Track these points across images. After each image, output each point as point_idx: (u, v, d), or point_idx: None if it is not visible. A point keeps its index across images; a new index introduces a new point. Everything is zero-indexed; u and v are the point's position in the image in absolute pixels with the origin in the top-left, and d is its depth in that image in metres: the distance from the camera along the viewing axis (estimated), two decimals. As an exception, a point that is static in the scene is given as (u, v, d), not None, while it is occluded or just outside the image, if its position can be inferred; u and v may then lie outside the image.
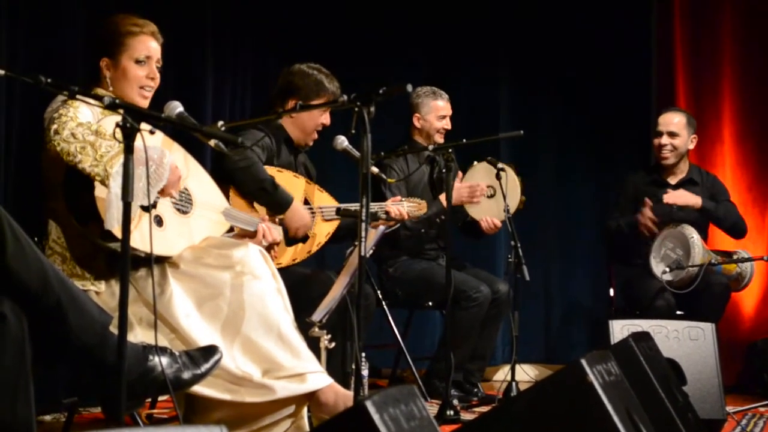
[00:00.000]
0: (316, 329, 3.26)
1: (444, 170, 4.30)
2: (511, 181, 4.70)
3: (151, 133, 2.50)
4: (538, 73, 6.29)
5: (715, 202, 5.16)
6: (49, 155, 2.91)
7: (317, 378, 3.00)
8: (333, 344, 3.28)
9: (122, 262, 2.31)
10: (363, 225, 2.91)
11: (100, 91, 3.13)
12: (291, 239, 3.98)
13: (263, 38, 5.37)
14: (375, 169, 4.17)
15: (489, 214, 4.84)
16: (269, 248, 3.48)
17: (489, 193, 4.83)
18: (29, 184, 3.35)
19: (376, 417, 1.65)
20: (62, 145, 2.79)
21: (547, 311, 6.29)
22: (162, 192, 2.91)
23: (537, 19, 6.26)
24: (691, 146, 5.25)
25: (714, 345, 3.74)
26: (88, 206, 2.84)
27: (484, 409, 4.36)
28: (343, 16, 5.86)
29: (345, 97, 3.06)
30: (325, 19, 5.75)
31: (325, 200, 4.14)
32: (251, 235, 3.45)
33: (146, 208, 2.66)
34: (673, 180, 5.24)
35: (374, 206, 4.25)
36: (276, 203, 3.89)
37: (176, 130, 3.49)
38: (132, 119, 2.33)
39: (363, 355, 3.01)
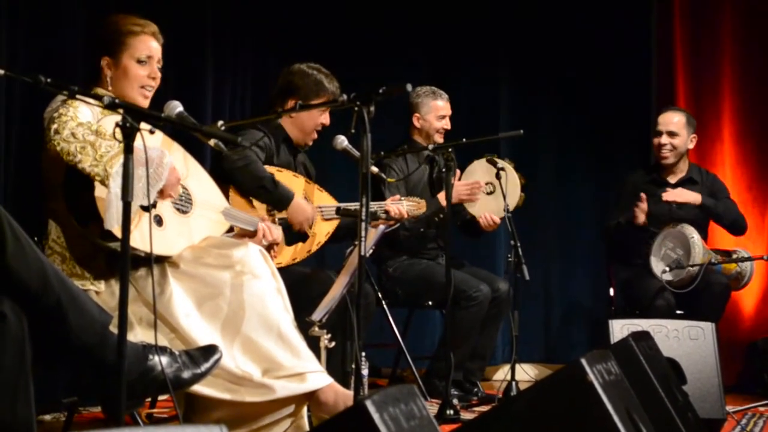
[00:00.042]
0: (316, 329, 3.26)
1: (444, 170, 4.30)
2: (511, 178, 4.70)
3: (151, 132, 2.51)
4: (538, 73, 6.29)
5: (714, 199, 5.16)
6: (49, 155, 2.91)
7: (317, 377, 3.00)
8: (333, 344, 3.28)
9: (122, 262, 2.31)
10: (363, 224, 2.91)
11: (99, 90, 3.13)
12: (291, 239, 3.98)
13: (263, 38, 5.37)
14: (375, 169, 4.18)
15: (488, 210, 4.84)
16: (269, 248, 3.48)
17: (488, 190, 4.83)
18: (29, 184, 3.35)
19: (376, 416, 1.65)
20: (62, 144, 2.80)
21: (547, 311, 6.29)
22: (161, 194, 2.92)
23: (537, 19, 6.26)
24: (691, 146, 5.25)
25: (714, 344, 3.74)
26: (88, 206, 2.84)
27: (484, 408, 4.36)
28: (343, 16, 5.86)
29: (345, 97, 3.06)
30: (325, 19, 5.75)
31: (324, 200, 4.14)
32: (251, 235, 3.45)
33: (146, 208, 2.66)
34: (672, 179, 5.24)
35: (374, 206, 4.26)
36: (277, 200, 3.90)
37: (176, 130, 3.50)
38: (132, 119, 2.33)
39: (363, 354, 3.01)
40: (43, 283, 2.42)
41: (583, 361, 2.14)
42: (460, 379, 4.75)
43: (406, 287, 4.83)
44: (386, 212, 4.30)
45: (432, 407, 3.91)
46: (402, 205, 4.36)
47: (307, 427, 3.04)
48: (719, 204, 5.14)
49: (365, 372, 3.20)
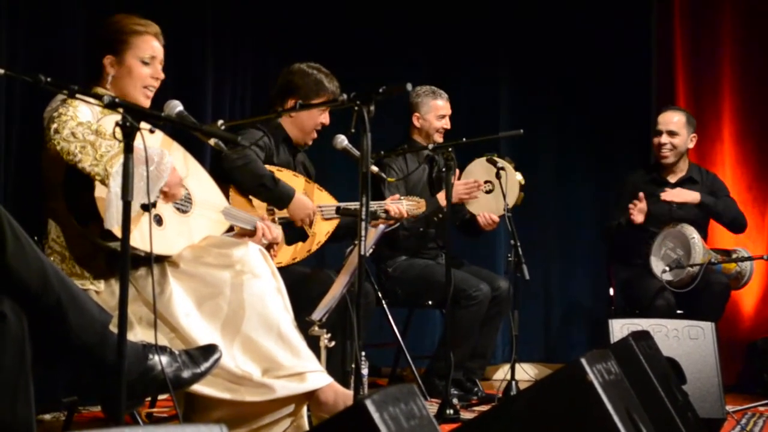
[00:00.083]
0: (316, 328, 3.26)
1: (444, 169, 4.30)
2: (510, 178, 4.70)
3: (151, 132, 2.51)
4: (538, 73, 6.29)
5: (714, 198, 5.16)
6: (49, 155, 2.91)
7: (317, 377, 3.00)
8: (333, 343, 3.28)
9: (122, 262, 2.31)
10: (363, 224, 2.91)
11: (99, 90, 3.14)
12: (291, 238, 3.98)
13: (263, 38, 5.37)
14: (375, 168, 4.18)
15: (487, 209, 4.85)
16: (269, 247, 3.48)
17: (487, 189, 4.83)
18: (29, 184, 3.35)
19: (375, 416, 1.65)
20: (62, 144, 2.80)
21: (547, 311, 6.29)
22: (165, 196, 2.92)
23: (537, 19, 6.26)
24: (691, 145, 5.25)
25: (714, 344, 3.74)
26: (88, 206, 2.84)
27: (484, 408, 4.36)
28: (343, 16, 5.86)
29: (345, 96, 3.06)
30: (325, 19, 5.76)
31: (324, 199, 4.14)
32: (251, 234, 3.45)
33: (146, 208, 2.66)
34: (672, 179, 5.25)
35: (373, 205, 4.26)
36: (278, 198, 3.90)
37: (176, 130, 3.50)
38: (132, 118, 2.33)
39: (363, 354, 3.01)
40: (43, 282, 2.42)
41: (583, 361, 2.14)
42: (460, 378, 4.75)
43: (405, 287, 4.83)
44: (386, 212, 4.30)
45: (432, 407, 3.91)
46: (402, 205, 4.37)
47: (306, 426, 3.04)
48: (719, 202, 5.14)
49: (365, 371, 3.20)
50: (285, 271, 3.39)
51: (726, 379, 3.86)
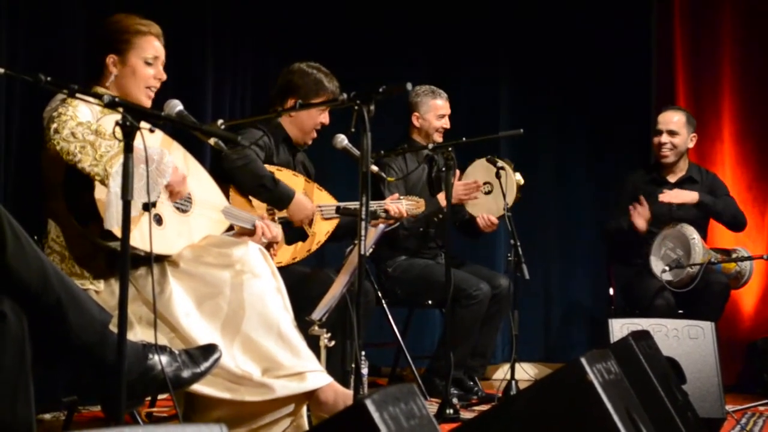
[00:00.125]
0: (316, 328, 3.26)
1: (443, 169, 4.30)
2: (509, 180, 4.70)
3: (151, 131, 2.51)
4: (538, 73, 6.29)
5: (713, 197, 5.16)
6: (49, 154, 2.91)
7: (317, 377, 3.00)
8: (333, 343, 3.28)
9: (122, 261, 2.31)
10: (363, 223, 2.91)
11: (99, 89, 3.14)
12: (291, 238, 3.98)
13: (263, 38, 5.37)
14: (375, 168, 4.18)
15: (486, 210, 4.85)
16: (269, 246, 3.48)
17: (486, 190, 4.83)
18: (29, 184, 3.36)
19: (375, 416, 1.65)
20: (62, 144, 2.80)
21: (546, 311, 6.29)
22: (171, 195, 2.93)
23: (537, 19, 6.26)
24: (691, 145, 5.25)
25: (714, 344, 3.74)
26: (88, 206, 2.85)
27: (484, 407, 4.36)
28: (343, 16, 5.86)
29: (345, 96, 3.06)
30: (325, 19, 5.76)
31: (324, 199, 4.14)
32: (251, 233, 3.46)
33: (146, 207, 2.66)
34: (672, 178, 5.25)
35: (373, 205, 4.25)
36: (277, 198, 3.90)
37: (176, 129, 3.50)
38: (132, 117, 2.33)
39: (363, 353, 3.01)
40: (43, 282, 2.42)
41: (583, 361, 2.14)
42: (461, 377, 4.75)
43: (405, 287, 4.83)
44: (386, 211, 4.30)
45: (432, 406, 3.91)
46: (401, 205, 4.37)
47: (306, 426, 3.04)
48: (718, 201, 5.14)
49: (365, 371, 3.20)
50: (285, 271, 3.39)
51: (726, 379, 3.86)
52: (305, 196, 4.04)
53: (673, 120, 5.19)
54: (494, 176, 4.62)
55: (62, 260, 2.97)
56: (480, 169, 4.84)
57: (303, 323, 3.22)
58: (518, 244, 4.46)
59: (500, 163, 4.68)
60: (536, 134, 6.01)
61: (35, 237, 2.88)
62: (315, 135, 4.26)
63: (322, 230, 4.09)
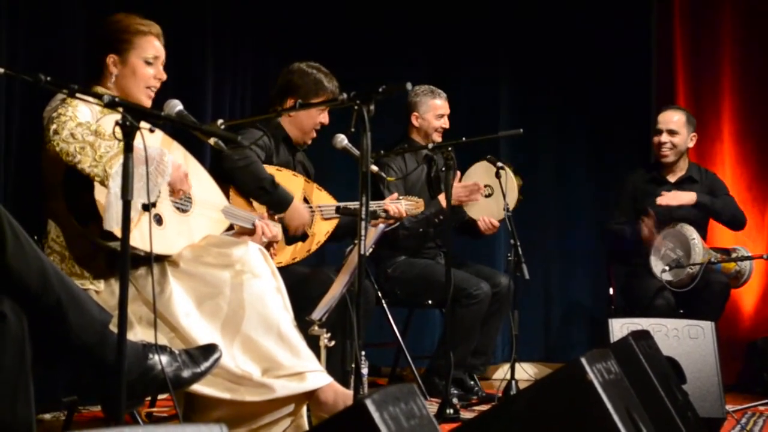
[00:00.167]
0: (316, 328, 3.26)
1: (443, 169, 4.30)
2: (509, 180, 4.70)
3: (151, 131, 2.51)
4: (538, 73, 6.29)
5: (713, 197, 5.16)
6: (49, 155, 2.91)
7: (317, 377, 3.00)
8: (333, 343, 3.28)
9: (122, 261, 2.31)
10: (363, 223, 2.91)
11: (99, 89, 3.14)
12: (291, 238, 3.98)
13: (263, 38, 5.37)
14: (375, 168, 4.18)
15: (487, 213, 4.84)
16: (269, 245, 3.48)
17: (487, 193, 4.83)
18: (29, 184, 3.35)
19: (376, 415, 1.65)
20: (61, 145, 2.80)
21: (547, 310, 6.29)
22: (173, 192, 2.93)
23: (537, 19, 6.26)
24: (691, 144, 5.25)
25: (714, 343, 3.74)
26: (88, 206, 2.85)
27: (484, 407, 4.36)
28: (343, 16, 5.86)
29: (344, 96, 3.06)
30: (325, 19, 5.75)
31: (323, 199, 4.14)
32: (250, 233, 3.46)
33: (146, 207, 2.66)
34: (672, 178, 5.25)
35: (373, 205, 4.25)
36: (276, 202, 3.90)
37: (176, 129, 3.50)
38: (132, 117, 2.33)
39: (363, 353, 3.01)
40: (43, 282, 2.42)
41: (583, 360, 2.14)
42: (461, 377, 4.75)
43: (405, 287, 4.83)
44: (385, 211, 4.30)
45: (432, 406, 3.91)
46: (401, 204, 4.37)
47: (306, 426, 3.04)
48: (716, 201, 5.14)
49: (365, 371, 3.20)
50: (285, 271, 3.39)
51: (726, 379, 3.86)
52: (305, 199, 4.04)
53: (673, 119, 5.19)
54: (494, 177, 4.62)
55: (62, 260, 2.97)
56: (480, 172, 4.84)
57: (303, 323, 3.22)
58: (518, 244, 4.45)
59: (500, 163, 4.67)
60: (536, 134, 6.01)
61: (35, 237, 2.88)
62: (315, 135, 4.26)
63: (321, 230, 4.09)
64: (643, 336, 3.15)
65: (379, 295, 4.71)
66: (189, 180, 3.02)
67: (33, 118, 3.20)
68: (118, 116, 2.36)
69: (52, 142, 2.82)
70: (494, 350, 5.39)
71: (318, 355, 3.14)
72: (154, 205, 2.87)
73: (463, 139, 4.42)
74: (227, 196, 3.68)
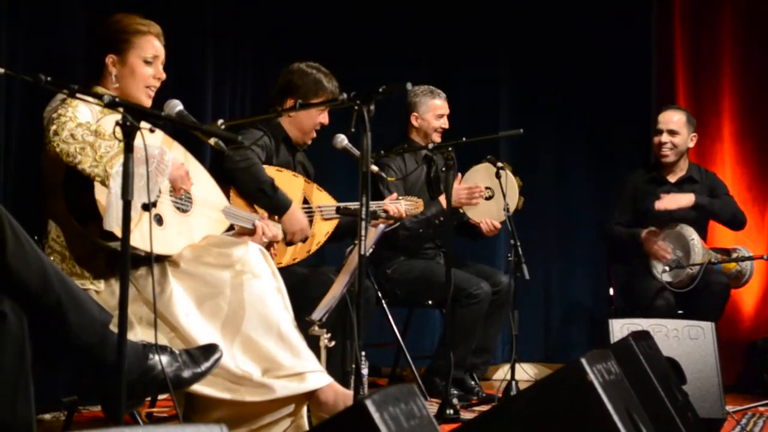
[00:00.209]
0: (316, 328, 3.26)
1: (443, 169, 4.30)
2: (510, 182, 4.70)
3: (151, 131, 2.51)
4: (538, 73, 6.29)
5: (713, 197, 5.15)
6: (49, 155, 2.91)
7: (317, 377, 3.00)
8: (333, 343, 3.28)
9: (122, 261, 2.31)
10: (363, 223, 2.91)
11: (99, 89, 3.14)
12: (289, 243, 3.98)
13: (263, 38, 5.37)
14: (375, 168, 4.18)
15: (488, 215, 4.84)
16: (269, 246, 3.48)
17: (487, 195, 4.83)
18: (29, 184, 3.36)
19: (376, 416, 1.65)
20: (62, 146, 2.80)
21: (547, 311, 6.29)
22: (174, 189, 2.93)
23: (537, 19, 6.26)
24: (691, 144, 5.25)
25: (714, 344, 3.74)
26: (88, 206, 2.85)
27: (484, 408, 4.36)
28: (343, 16, 5.86)
29: (344, 96, 3.06)
30: (325, 19, 5.75)
31: (323, 199, 4.14)
32: (251, 233, 3.46)
33: (146, 207, 2.66)
34: (672, 178, 5.24)
35: (372, 205, 4.25)
36: (274, 206, 3.89)
37: (176, 129, 3.50)
38: (132, 117, 2.33)
39: (363, 353, 3.01)
40: (43, 282, 2.42)
41: (583, 361, 2.14)
42: (462, 377, 4.75)
43: (405, 288, 4.83)
44: (385, 211, 4.30)
45: (432, 407, 3.91)
46: (400, 205, 4.37)
47: (306, 426, 3.04)
48: (715, 202, 5.13)
49: (365, 371, 3.20)
50: (285, 272, 3.39)
51: (726, 379, 3.86)
52: (305, 200, 4.04)
53: (674, 119, 5.19)
54: (494, 176, 4.62)
55: (62, 260, 2.97)
56: (480, 174, 4.84)
57: (303, 323, 3.22)
58: (518, 244, 4.45)
59: (500, 164, 4.67)
60: (536, 134, 6.01)
61: (35, 237, 2.88)
62: (314, 135, 4.26)
63: (321, 231, 4.09)
64: (643, 336, 3.15)
65: (379, 295, 4.71)
66: (190, 178, 3.02)
67: (33, 118, 3.20)
68: (118, 116, 2.36)
69: (52, 143, 2.82)
70: (496, 349, 5.39)
71: (318, 356, 3.14)
72: (154, 204, 2.87)
73: (463, 139, 4.42)
74: (228, 196, 3.68)
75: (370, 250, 3.62)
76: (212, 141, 2.89)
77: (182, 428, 1.54)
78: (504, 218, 4.61)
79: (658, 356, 3.20)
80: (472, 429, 2.27)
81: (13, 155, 3.62)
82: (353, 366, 2.95)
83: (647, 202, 5.08)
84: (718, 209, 5.12)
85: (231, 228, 3.42)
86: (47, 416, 3.64)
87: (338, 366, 3.65)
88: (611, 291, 5.40)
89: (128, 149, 2.31)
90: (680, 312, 4.85)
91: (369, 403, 1.65)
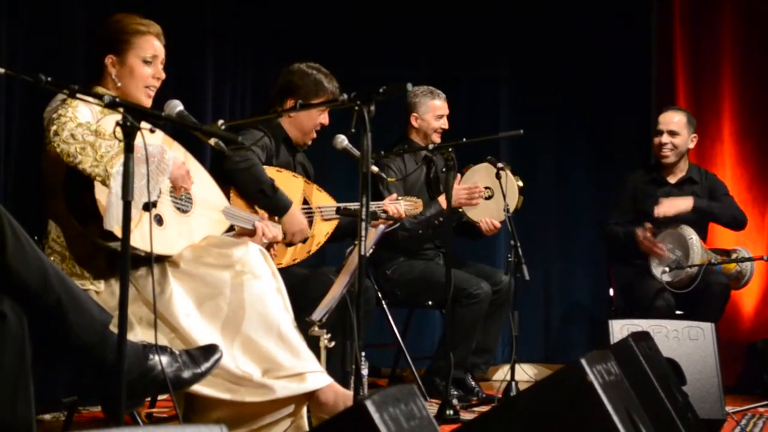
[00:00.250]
0: (316, 328, 3.26)
1: (443, 170, 4.29)
2: (510, 182, 4.70)
3: (152, 131, 2.51)
4: (538, 73, 6.28)
5: (713, 197, 5.15)
6: (49, 155, 2.91)
7: (317, 377, 3.00)
8: (333, 343, 3.28)
9: (122, 262, 2.31)
10: (363, 224, 2.90)
11: (99, 89, 3.14)
12: (288, 244, 3.98)
13: (263, 38, 5.37)
14: (375, 168, 4.18)
15: (488, 215, 4.84)
16: (269, 246, 3.48)
17: (487, 195, 4.83)
18: (29, 184, 3.36)
19: (376, 416, 1.65)
20: (62, 146, 2.80)
21: (547, 311, 6.28)
22: (175, 188, 2.93)
23: (537, 19, 6.26)
24: (691, 145, 5.25)
25: (714, 345, 3.74)
26: (88, 206, 2.85)
27: (484, 408, 4.36)
28: (343, 16, 5.86)
29: (345, 96, 3.06)
30: (325, 19, 5.75)
31: (323, 200, 4.14)
32: (251, 234, 3.46)
33: (147, 207, 2.66)
34: (672, 179, 5.24)
35: (372, 205, 4.25)
36: (274, 207, 3.89)
37: (176, 129, 3.50)
38: (132, 118, 2.33)
39: (363, 354, 3.01)
40: (43, 282, 2.42)
41: (583, 362, 2.14)
42: (462, 377, 4.75)
43: (405, 288, 4.82)
44: (385, 212, 4.30)
45: (432, 407, 3.91)
46: (400, 205, 4.37)
47: (306, 427, 3.04)
48: (713, 204, 5.12)
49: (365, 372, 3.20)
50: (285, 272, 3.39)
51: (726, 380, 3.86)
52: (305, 201, 4.04)
53: (674, 120, 5.19)
54: (494, 177, 4.62)
55: (63, 260, 2.97)
56: (480, 174, 4.84)
57: (303, 324, 3.22)
58: (518, 244, 4.45)
59: (500, 164, 4.67)
60: (536, 134, 6.01)
61: (35, 237, 2.88)
62: (314, 136, 4.26)
63: (321, 231, 4.09)
64: (643, 337, 3.15)
65: (379, 295, 4.71)
66: (191, 176, 3.02)
67: (33, 118, 3.20)
68: (118, 116, 2.36)
69: (52, 143, 2.82)
70: (496, 348, 5.38)
71: (318, 356, 3.14)
72: (155, 205, 2.87)
73: (463, 139, 4.42)
74: (228, 197, 3.68)
75: (370, 251, 3.62)
76: (212, 141, 2.89)
77: (182, 428, 1.54)
78: (504, 218, 4.60)
79: (658, 357, 3.21)
80: (472, 429, 2.27)
81: (14, 155, 3.62)
82: (353, 366, 2.95)
83: (647, 203, 5.07)
84: (718, 211, 5.12)
85: (231, 228, 3.42)
86: (47, 416, 3.64)
87: (338, 366, 3.65)
88: (611, 291, 5.40)
89: (129, 149, 2.31)
90: (680, 313, 4.85)
91: (369, 404, 1.65)
